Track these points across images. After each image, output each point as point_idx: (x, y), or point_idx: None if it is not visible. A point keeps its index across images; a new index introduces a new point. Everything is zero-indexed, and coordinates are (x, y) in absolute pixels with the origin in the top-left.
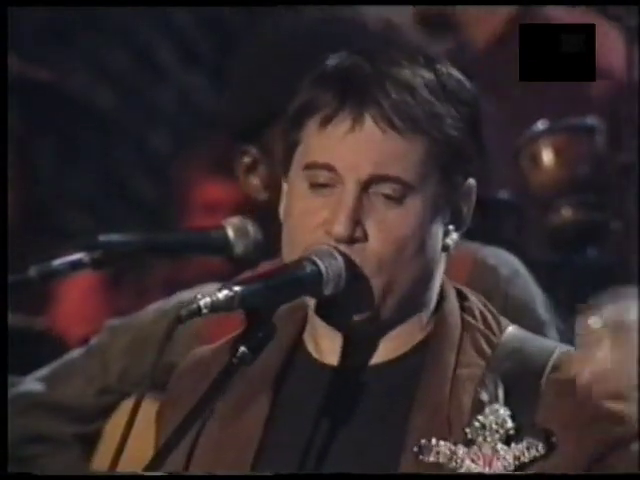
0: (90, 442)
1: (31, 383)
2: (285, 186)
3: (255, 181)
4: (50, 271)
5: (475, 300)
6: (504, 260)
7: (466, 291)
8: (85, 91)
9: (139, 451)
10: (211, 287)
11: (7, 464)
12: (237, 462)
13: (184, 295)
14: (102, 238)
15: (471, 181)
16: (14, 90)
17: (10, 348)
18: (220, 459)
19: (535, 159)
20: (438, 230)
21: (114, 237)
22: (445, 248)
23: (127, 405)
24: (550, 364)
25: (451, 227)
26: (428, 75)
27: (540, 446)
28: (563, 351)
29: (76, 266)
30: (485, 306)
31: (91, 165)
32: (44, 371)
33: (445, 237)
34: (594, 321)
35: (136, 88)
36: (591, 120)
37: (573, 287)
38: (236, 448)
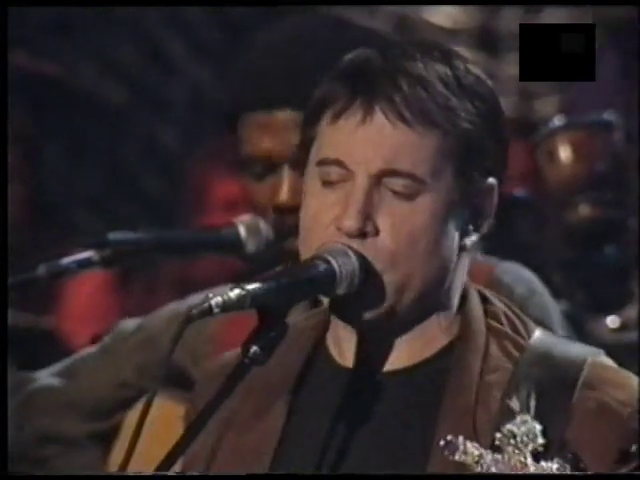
0: (106, 441)
1: (48, 379)
2: (304, 187)
3: None
4: (59, 269)
5: (499, 303)
6: (520, 278)
7: (489, 294)
8: (94, 86)
9: (150, 452)
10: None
11: (7, 464)
12: (253, 469)
13: (199, 297)
14: (112, 236)
15: (491, 180)
16: (22, 86)
17: (17, 347)
18: (238, 466)
19: (552, 155)
20: (454, 228)
21: (124, 235)
22: (463, 248)
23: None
24: (582, 379)
25: (470, 227)
26: (443, 69)
27: (568, 469)
28: (595, 363)
29: (85, 264)
30: (510, 309)
31: (100, 162)
32: (57, 367)
33: (463, 237)
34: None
35: (147, 83)
36: (609, 116)
37: (590, 285)
38: (253, 455)
